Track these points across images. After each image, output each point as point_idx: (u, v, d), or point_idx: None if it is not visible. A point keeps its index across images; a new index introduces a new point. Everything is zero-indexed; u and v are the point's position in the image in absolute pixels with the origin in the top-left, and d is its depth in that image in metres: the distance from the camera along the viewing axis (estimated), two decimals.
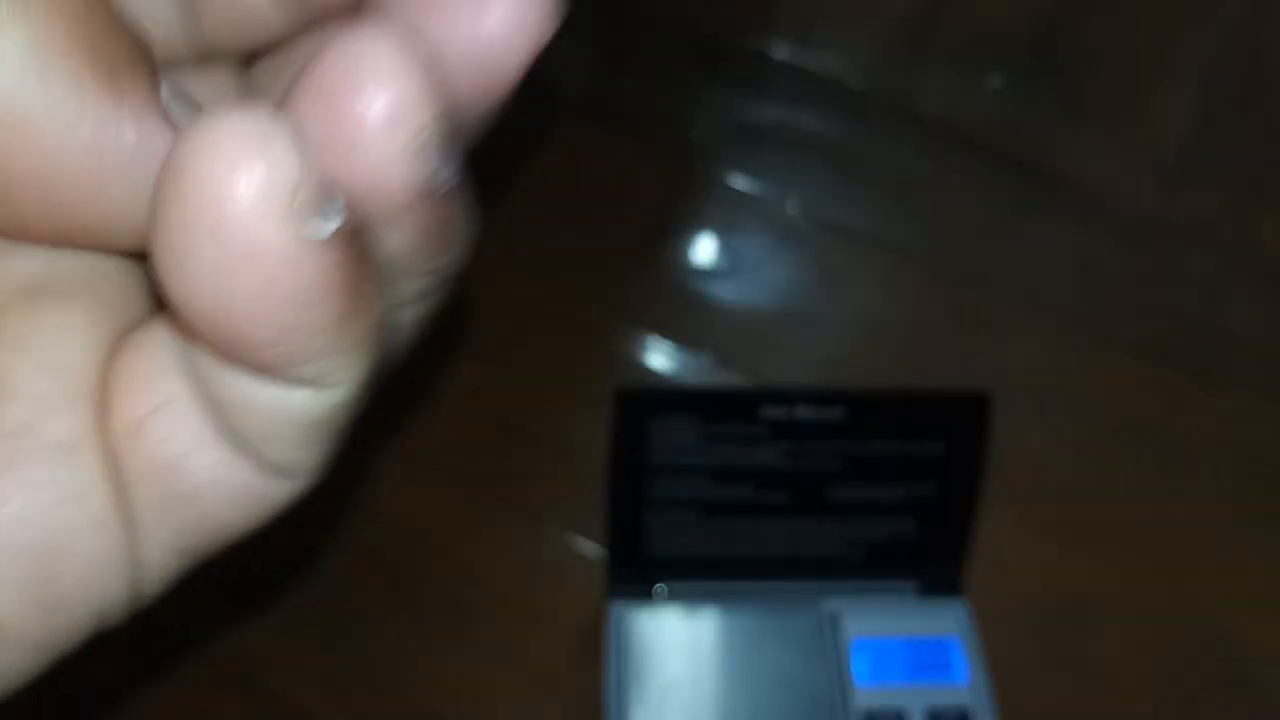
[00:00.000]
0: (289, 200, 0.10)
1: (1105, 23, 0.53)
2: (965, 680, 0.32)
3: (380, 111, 0.11)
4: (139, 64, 0.12)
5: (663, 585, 0.33)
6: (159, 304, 0.14)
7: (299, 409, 0.12)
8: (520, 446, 0.37)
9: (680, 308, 0.42)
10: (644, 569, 0.33)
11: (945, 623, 0.33)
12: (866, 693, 0.31)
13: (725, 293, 0.43)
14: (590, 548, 0.35)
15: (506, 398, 0.38)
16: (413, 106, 0.11)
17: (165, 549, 0.13)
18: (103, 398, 0.13)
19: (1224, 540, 0.37)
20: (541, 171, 0.46)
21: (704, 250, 0.44)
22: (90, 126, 0.11)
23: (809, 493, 0.32)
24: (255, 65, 0.16)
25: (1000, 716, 0.31)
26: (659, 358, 0.41)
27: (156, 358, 0.13)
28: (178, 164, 0.10)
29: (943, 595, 0.33)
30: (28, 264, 0.14)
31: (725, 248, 0.44)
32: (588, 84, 0.50)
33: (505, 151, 0.46)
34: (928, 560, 0.33)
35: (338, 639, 0.33)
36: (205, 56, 0.15)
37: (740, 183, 0.46)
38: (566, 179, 0.46)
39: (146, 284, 0.14)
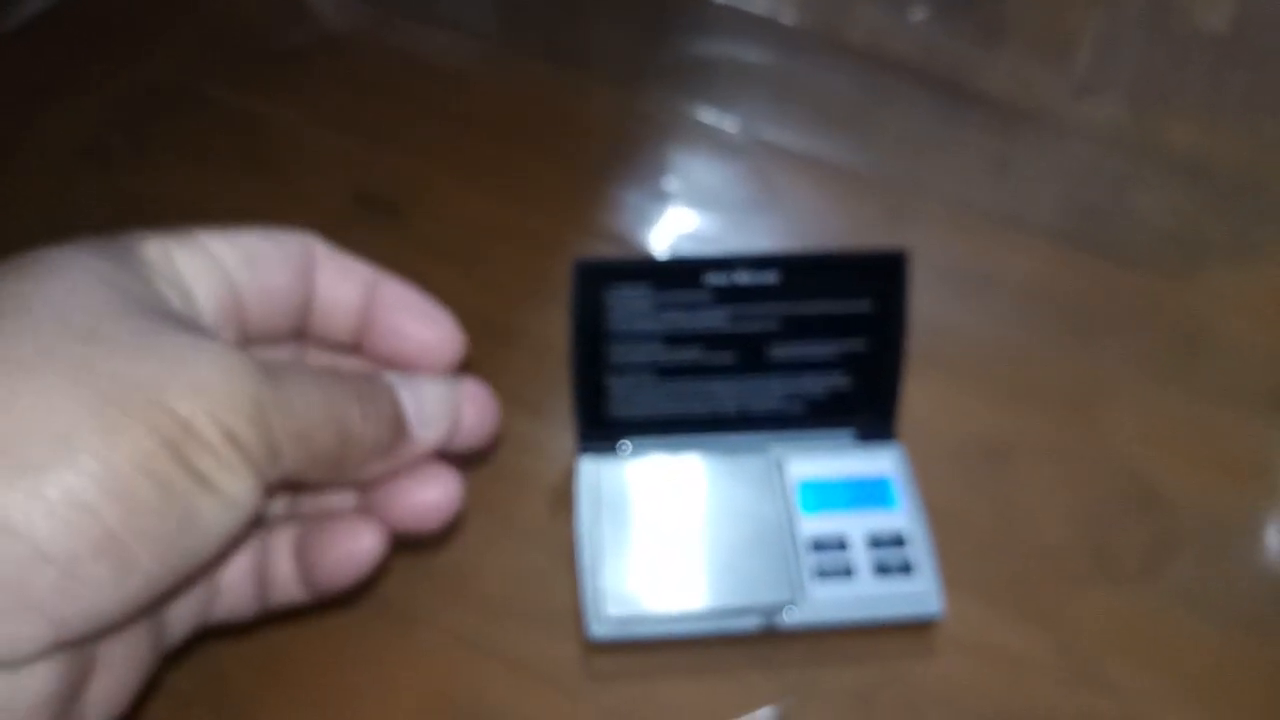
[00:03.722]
0: None
1: None
2: (900, 509, 0.35)
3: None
4: None
5: (626, 442, 0.36)
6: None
7: None
8: (492, 340, 0.40)
9: (634, 218, 0.45)
10: (608, 429, 0.36)
11: (881, 464, 0.36)
12: (811, 521, 0.34)
13: (673, 204, 0.46)
14: (559, 421, 0.38)
15: (479, 298, 0.41)
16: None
17: None
18: None
19: (1130, 392, 0.41)
20: (507, 106, 0.49)
21: (653, 168, 0.47)
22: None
23: (752, 353, 0.35)
24: None
25: (934, 543, 0.34)
26: None
27: None
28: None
29: (878, 441, 0.36)
30: None
31: (672, 165, 0.47)
32: (546, 28, 0.53)
33: (474, 91, 0.50)
34: (863, 410, 0.36)
35: None
36: None
37: (685, 109, 0.49)
38: (529, 112, 0.49)
39: None
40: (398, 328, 0.27)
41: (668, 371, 0.35)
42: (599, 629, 0.32)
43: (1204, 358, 0.42)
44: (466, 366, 0.40)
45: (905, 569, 0.34)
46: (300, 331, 0.27)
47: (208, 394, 0.19)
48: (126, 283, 0.21)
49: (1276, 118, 0.52)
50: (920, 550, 0.34)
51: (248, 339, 0.25)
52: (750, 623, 0.33)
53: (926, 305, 0.42)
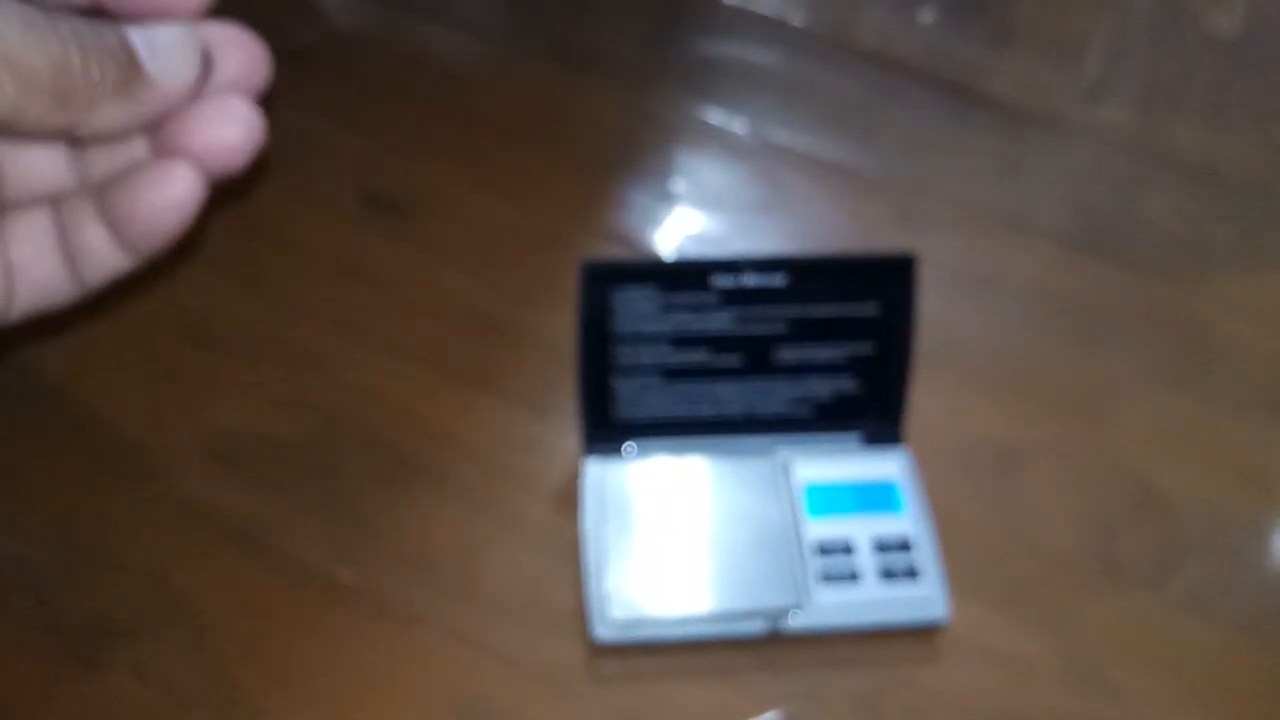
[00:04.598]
0: None
1: None
2: (906, 513, 0.35)
3: None
4: None
5: (632, 444, 0.35)
6: None
7: None
8: (497, 340, 0.40)
9: (641, 220, 0.45)
10: (614, 430, 0.35)
11: (887, 468, 0.36)
12: (817, 524, 0.34)
13: (681, 206, 0.45)
14: (564, 421, 0.38)
15: (485, 299, 0.41)
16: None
17: None
18: None
19: (1136, 397, 0.40)
20: (515, 107, 0.49)
21: (661, 169, 0.47)
22: None
23: (759, 355, 0.35)
24: None
25: (940, 548, 0.34)
26: None
27: None
28: None
29: (885, 445, 0.36)
30: None
31: (680, 166, 0.47)
32: (555, 29, 0.53)
33: (482, 91, 0.49)
34: (870, 413, 0.36)
35: (338, 506, 0.35)
36: None
37: (693, 111, 0.49)
38: (538, 112, 0.48)
39: None
40: None
41: (674, 373, 0.35)
42: (603, 631, 0.32)
43: (1211, 363, 0.42)
44: (471, 362, 0.39)
45: (911, 574, 0.33)
46: None
47: None
48: None
49: None
50: (926, 555, 0.34)
51: None
52: (755, 626, 0.32)
53: (933, 308, 0.42)
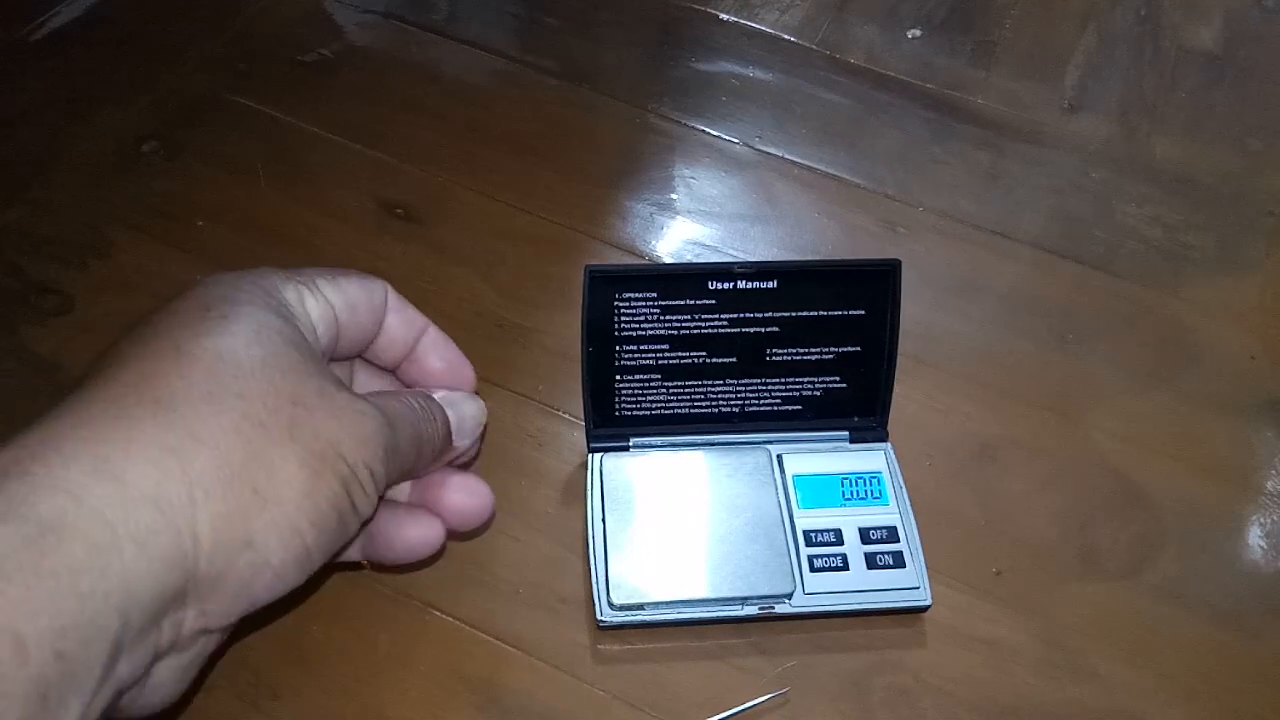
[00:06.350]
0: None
1: None
2: (891, 505, 0.36)
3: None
4: None
5: (634, 439, 0.37)
6: None
7: None
8: (510, 341, 0.41)
9: (643, 227, 0.46)
10: (617, 426, 0.36)
11: (874, 461, 0.37)
12: (808, 515, 0.35)
13: (680, 214, 0.47)
14: (571, 419, 0.39)
15: (496, 302, 0.42)
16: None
17: None
18: None
19: (1114, 394, 0.42)
20: (523, 121, 0.50)
21: (662, 179, 0.48)
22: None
23: (753, 355, 0.36)
24: None
25: (923, 537, 0.35)
26: None
27: None
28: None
29: (870, 441, 0.37)
30: None
31: (679, 177, 0.48)
32: (561, 46, 0.54)
33: (492, 105, 0.51)
34: (857, 410, 0.37)
35: None
36: None
37: (691, 124, 0.50)
38: (544, 126, 0.50)
39: None
40: (431, 368, 0.32)
41: (673, 372, 0.36)
42: (607, 615, 0.33)
43: (1187, 363, 0.43)
44: (482, 361, 0.41)
45: (896, 562, 0.35)
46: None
47: (366, 446, 0.26)
48: (295, 336, 0.27)
49: (1261, 132, 0.53)
50: (911, 544, 0.35)
51: (327, 361, 0.30)
52: (750, 611, 0.34)
53: (919, 311, 0.43)
